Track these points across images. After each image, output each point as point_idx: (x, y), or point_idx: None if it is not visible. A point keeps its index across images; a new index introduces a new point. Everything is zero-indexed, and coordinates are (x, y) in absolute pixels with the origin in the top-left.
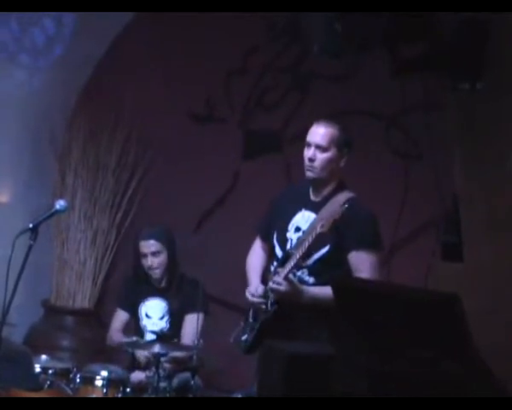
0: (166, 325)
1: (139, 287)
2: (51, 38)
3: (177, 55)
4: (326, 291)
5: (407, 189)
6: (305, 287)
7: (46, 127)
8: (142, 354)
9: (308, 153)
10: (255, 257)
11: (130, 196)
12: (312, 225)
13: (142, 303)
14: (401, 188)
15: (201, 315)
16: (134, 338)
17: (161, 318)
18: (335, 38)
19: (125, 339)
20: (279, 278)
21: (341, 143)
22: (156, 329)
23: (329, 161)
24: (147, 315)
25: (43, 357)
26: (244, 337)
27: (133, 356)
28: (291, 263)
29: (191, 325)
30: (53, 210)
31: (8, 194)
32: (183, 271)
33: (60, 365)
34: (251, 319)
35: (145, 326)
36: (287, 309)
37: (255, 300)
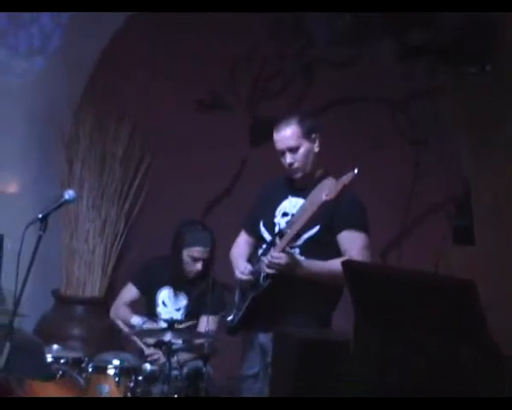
0: (181, 318)
1: (160, 273)
2: (53, 29)
3: (181, 44)
4: (326, 266)
5: (416, 174)
6: (304, 259)
7: (53, 118)
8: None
9: (286, 160)
10: (239, 248)
11: (137, 184)
12: (305, 206)
13: (161, 289)
14: (410, 173)
15: (215, 317)
16: (143, 320)
17: (177, 309)
18: (341, 24)
19: (134, 316)
20: (276, 252)
21: (307, 132)
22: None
23: (307, 155)
24: (163, 303)
25: (55, 347)
26: (230, 318)
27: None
28: (287, 238)
29: (204, 326)
30: (62, 200)
31: (17, 185)
32: None
33: (71, 354)
34: (237, 300)
35: (160, 313)
36: (281, 284)
37: (245, 277)
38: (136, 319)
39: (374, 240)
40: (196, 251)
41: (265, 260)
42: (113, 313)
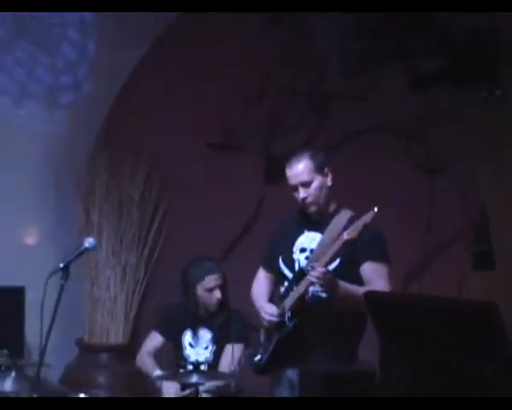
0: (210, 356)
1: (182, 315)
2: (68, 79)
3: (192, 86)
4: (360, 290)
5: (433, 202)
6: (341, 281)
7: (69, 167)
8: (170, 390)
9: (299, 195)
10: (260, 286)
11: (155, 229)
12: (325, 240)
13: (185, 332)
14: (427, 202)
15: (240, 345)
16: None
17: (206, 348)
18: (352, 57)
19: (157, 369)
20: (321, 268)
21: (319, 167)
22: (200, 359)
23: (320, 189)
24: (190, 345)
25: (81, 395)
26: (258, 358)
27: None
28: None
29: (229, 354)
30: (82, 248)
31: (35, 236)
32: None
33: None
34: (263, 340)
35: (188, 356)
36: (305, 322)
37: (274, 318)
38: (158, 373)
39: (394, 271)
40: (210, 280)
41: (313, 275)
42: (138, 362)
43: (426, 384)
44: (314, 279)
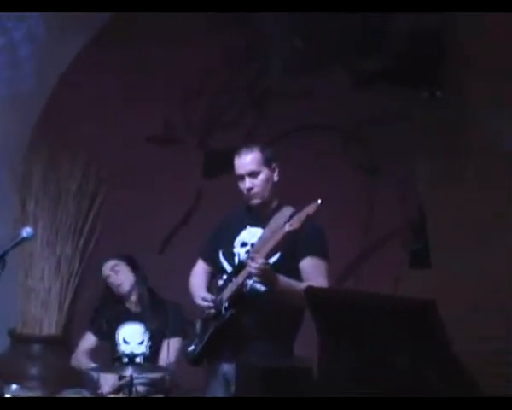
0: (146, 350)
1: (114, 312)
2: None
3: (133, 78)
4: (298, 285)
5: (371, 201)
6: (280, 275)
7: (4, 157)
8: (106, 386)
9: (244, 184)
10: (198, 277)
11: (92, 220)
12: (265, 236)
13: (118, 329)
14: (366, 200)
15: (177, 339)
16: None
17: (140, 343)
18: (294, 56)
19: (92, 364)
20: (261, 260)
21: (268, 160)
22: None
23: (266, 182)
24: (124, 340)
25: (14, 386)
26: (191, 348)
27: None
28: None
29: (166, 349)
30: (20, 238)
31: None
32: None
33: (30, 394)
34: (198, 331)
35: (123, 352)
36: (242, 314)
37: (207, 304)
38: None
39: (331, 267)
40: (103, 270)
41: (253, 266)
42: (73, 362)
43: (363, 382)
44: (253, 270)
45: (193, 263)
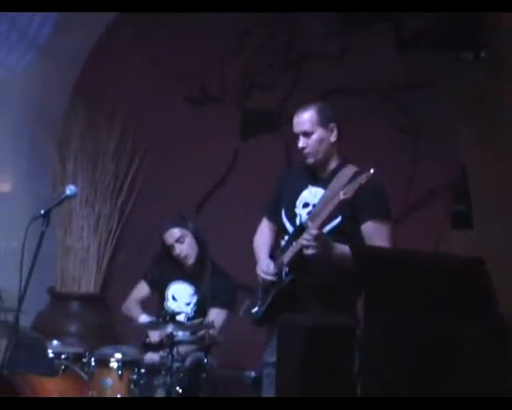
0: (191, 313)
1: (170, 268)
2: (42, 24)
3: (170, 40)
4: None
5: (413, 161)
6: (336, 243)
7: (44, 116)
8: (155, 335)
9: (299, 143)
10: (262, 236)
11: (130, 180)
12: (326, 197)
13: (170, 284)
14: (407, 161)
15: (224, 311)
16: (151, 318)
17: (187, 304)
18: (332, 18)
19: (143, 314)
20: (314, 230)
21: (324, 121)
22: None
23: (319, 142)
24: (173, 297)
25: (55, 342)
26: (255, 310)
27: (146, 336)
28: (316, 224)
29: (211, 318)
30: (63, 196)
31: (10, 184)
32: None
33: (72, 349)
34: (260, 293)
35: (169, 308)
36: (301, 280)
37: (268, 277)
38: (143, 318)
39: None
40: (166, 238)
41: (305, 238)
42: (124, 310)
43: (408, 343)
44: (305, 242)
45: (231, 221)
